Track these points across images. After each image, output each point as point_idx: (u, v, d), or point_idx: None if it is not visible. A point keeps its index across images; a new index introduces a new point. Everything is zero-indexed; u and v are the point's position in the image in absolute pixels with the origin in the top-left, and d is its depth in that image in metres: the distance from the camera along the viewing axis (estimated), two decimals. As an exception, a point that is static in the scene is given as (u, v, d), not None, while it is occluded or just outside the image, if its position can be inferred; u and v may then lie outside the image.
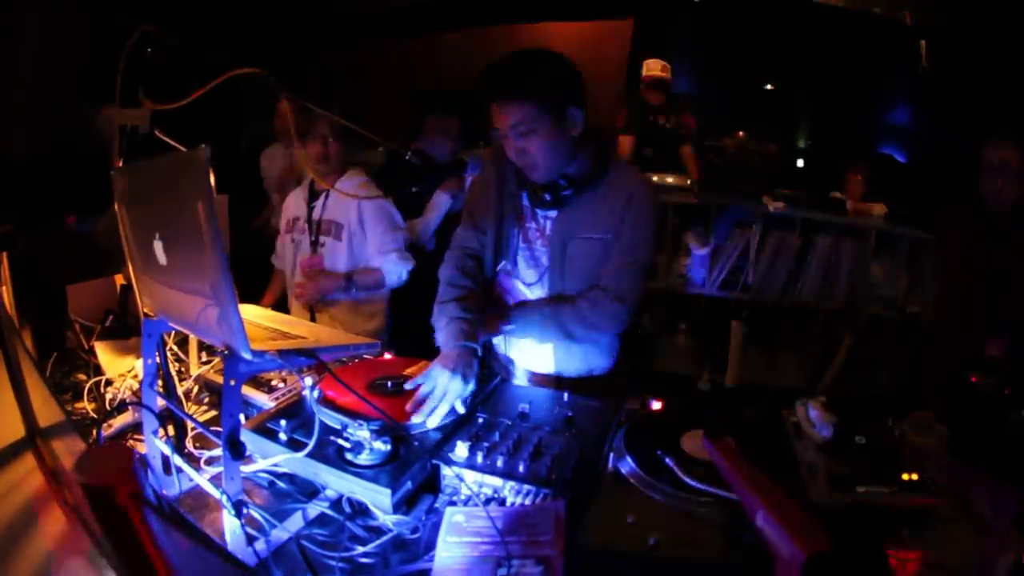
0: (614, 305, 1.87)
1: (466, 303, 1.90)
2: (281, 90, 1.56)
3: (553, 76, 1.79)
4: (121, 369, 1.92)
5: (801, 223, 4.37)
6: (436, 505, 1.33)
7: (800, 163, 5.59)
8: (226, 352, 1.16)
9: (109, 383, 1.87)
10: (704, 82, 5.89)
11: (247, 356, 1.12)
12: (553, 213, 1.94)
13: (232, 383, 1.14)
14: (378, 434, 1.29)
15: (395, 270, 2.79)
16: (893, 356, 4.08)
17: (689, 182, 4.68)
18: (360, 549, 1.22)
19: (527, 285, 2.03)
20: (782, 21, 5.26)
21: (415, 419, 1.47)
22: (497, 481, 1.30)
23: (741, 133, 4.81)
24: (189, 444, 1.57)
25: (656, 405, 1.62)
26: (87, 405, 1.80)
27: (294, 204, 2.97)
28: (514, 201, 2.01)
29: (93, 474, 0.74)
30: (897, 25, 4.68)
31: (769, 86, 6.06)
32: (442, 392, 1.54)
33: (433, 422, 1.49)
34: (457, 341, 1.74)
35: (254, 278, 3.17)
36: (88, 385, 1.84)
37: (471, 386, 1.63)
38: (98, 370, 1.94)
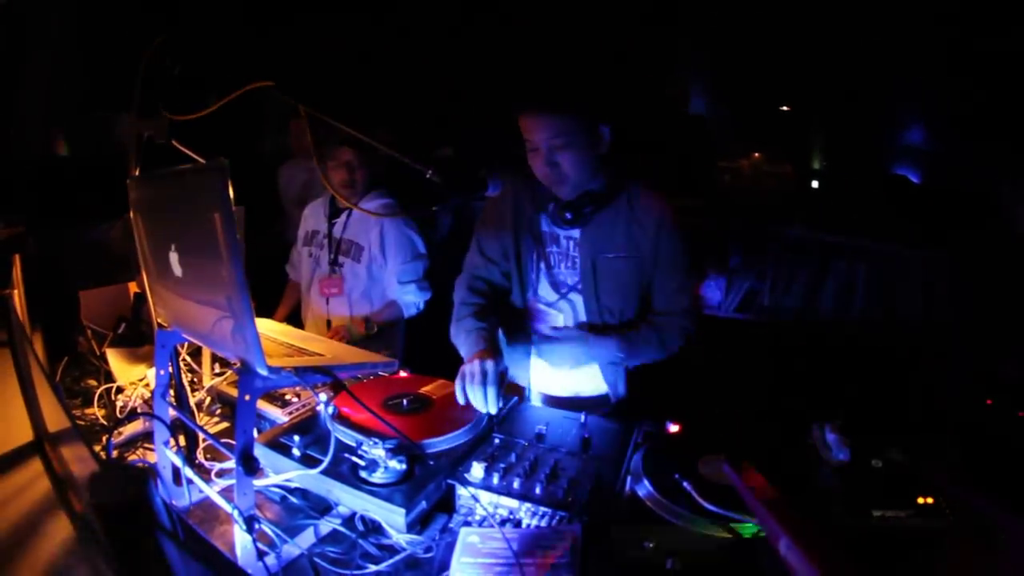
0: (687, 327, 1.94)
1: (481, 315, 1.92)
2: (298, 104, 1.55)
3: (593, 90, 1.78)
4: (132, 377, 1.91)
5: (817, 245, 4.33)
6: (451, 525, 1.31)
7: (815, 184, 5.57)
8: (241, 367, 1.15)
9: (120, 390, 1.86)
10: (720, 104, 5.90)
11: (263, 372, 1.11)
12: (576, 233, 1.92)
13: (247, 399, 1.12)
14: (393, 452, 1.27)
15: (413, 301, 2.82)
16: (908, 378, 4.04)
17: (704, 204, 4.66)
18: (372, 568, 1.21)
19: (548, 305, 2.02)
20: (797, 42, 5.26)
21: (478, 408, 1.56)
22: (513, 503, 1.28)
23: (757, 154, 4.79)
24: (200, 455, 1.56)
25: (673, 428, 1.59)
26: (97, 411, 1.80)
27: (313, 217, 2.96)
28: (532, 226, 1.99)
29: (107, 494, 0.72)
30: (910, 44, 4.69)
31: (784, 107, 6.06)
32: (481, 375, 1.58)
33: (492, 408, 1.56)
34: (478, 345, 1.77)
35: (266, 287, 3.15)
36: (99, 391, 1.84)
37: (503, 362, 1.68)
38: (109, 376, 1.93)
